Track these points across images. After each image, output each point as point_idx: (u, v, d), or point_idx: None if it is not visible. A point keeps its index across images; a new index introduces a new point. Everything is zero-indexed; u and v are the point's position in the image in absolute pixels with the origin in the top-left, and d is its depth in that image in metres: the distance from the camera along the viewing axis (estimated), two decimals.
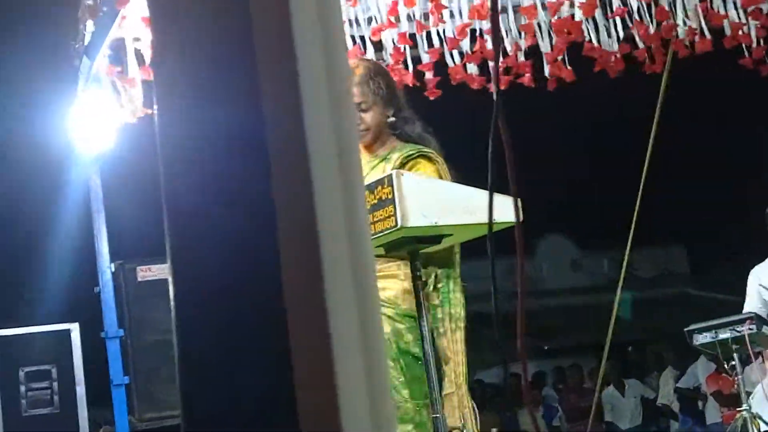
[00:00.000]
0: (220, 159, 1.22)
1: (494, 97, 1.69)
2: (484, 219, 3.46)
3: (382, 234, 3.46)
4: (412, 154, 3.99)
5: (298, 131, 1.18)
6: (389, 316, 3.83)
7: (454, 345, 3.94)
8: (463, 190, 3.59)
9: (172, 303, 1.25)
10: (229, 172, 1.21)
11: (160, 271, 7.32)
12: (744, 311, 6.23)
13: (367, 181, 3.55)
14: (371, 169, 3.99)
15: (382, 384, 1.20)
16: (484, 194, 3.57)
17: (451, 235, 3.63)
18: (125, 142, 6.18)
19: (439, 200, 3.50)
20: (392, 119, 4.05)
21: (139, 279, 7.32)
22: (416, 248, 3.65)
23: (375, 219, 3.47)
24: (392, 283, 3.91)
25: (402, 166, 3.90)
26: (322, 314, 1.16)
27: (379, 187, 3.46)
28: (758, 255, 6.48)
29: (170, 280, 1.25)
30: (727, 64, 6.08)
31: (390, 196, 3.43)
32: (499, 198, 3.54)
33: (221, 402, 1.18)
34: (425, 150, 4.02)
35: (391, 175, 3.45)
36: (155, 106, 1.26)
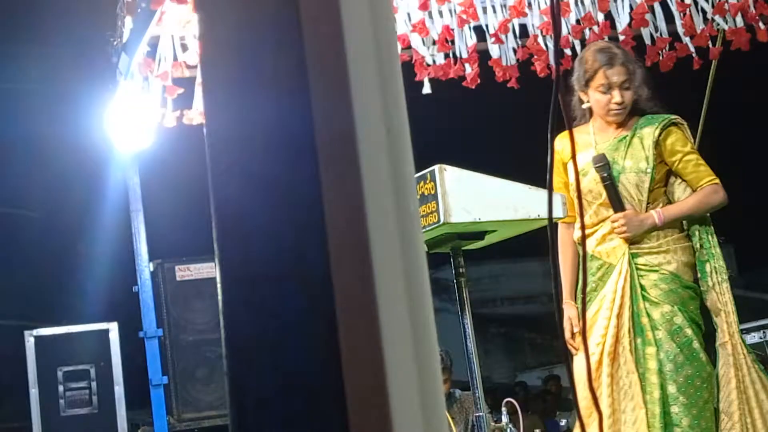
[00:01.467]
0: (268, 157, 1.19)
1: (553, 89, 1.61)
2: (528, 215, 3.39)
3: (425, 230, 3.40)
4: (666, 123, 4.16)
5: (348, 128, 1.15)
6: (673, 290, 4.04)
7: (722, 296, 4.09)
8: (506, 186, 3.51)
9: (219, 300, 1.22)
10: (276, 170, 1.18)
11: (199, 270, 7.32)
12: None
13: (615, 156, 4.09)
14: (626, 147, 4.15)
15: (432, 372, 1.17)
16: (527, 189, 3.50)
17: (494, 231, 3.55)
18: (163, 141, 6.15)
19: (482, 196, 3.43)
20: (643, 96, 4.20)
21: (178, 279, 7.31)
22: (459, 245, 3.58)
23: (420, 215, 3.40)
24: (671, 257, 4.10)
25: (659, 137, 4.11)
26: (372, 313, 1.13)
27: (422, 182, 3.40)
28: None
29: (218, 279, 1.22)
30: None
31: (433, 192, 3.37)
32: (544, 194, 3.50)
33: (268, 389, 1.15)
34: (673, 118, 4.17)
35: (434, 170, 3.38)
36: (202, 104, 1.23)
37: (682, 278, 4.07)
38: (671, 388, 3.98)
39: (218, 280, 1.19)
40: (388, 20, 1.24)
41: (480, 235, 3.57)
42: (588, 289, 4.11)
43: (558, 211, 3.53)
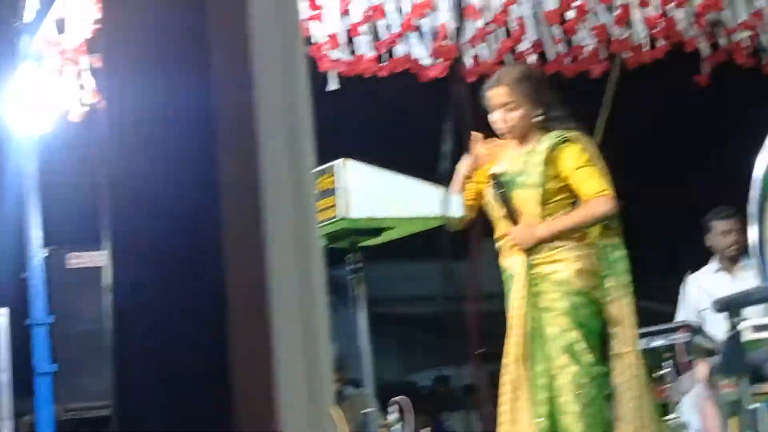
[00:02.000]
0: (168, 139, 1.18)
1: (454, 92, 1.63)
2: (428, 213, 3.41)
3: (323, 224, 3.40)
4: (557, 141, 4.24)
5: (248, 115, 1.14)
6: (565, 293, 4.16)
7: (622, 309, 4.21)
8: (406, 183, 3.54)
9: (110, 288, 1.19)
10: (175, 152, 1.17)
11: (92, 259, 7.18)
12: (676, 320, 6.25)
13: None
14: (523, 163, 4.27)
15: (322, 366, 1.17)
16: (426, 187, 3.53)
17: (392, 228, 3.57)
18: (62, 126, 6.03)
19: (381, 192, 3.44)
20: (540, 118, 4.29)
21: (71, 266, 7.17)
22: (356, 240, 3.60)
23: (317, 209, 3.40)
24: (564, 265, 4.19)
25: (552, 153, 4.21)
26: (264, 304, 1.12)
27: (323, 176, 3.40)
28: (693, 265, 6.50)
29: (110, 263, 1.19)
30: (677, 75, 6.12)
31: (332, 186, 3.38)
32: (443, 192, 3.53)
33: (154, 378, 1.13)
34: (566, 134, 4.27)
35: (335, 164, 3.39)
36: (103, 88, 1.22)
37: (574, 285, 4.19)
38: (556, 384, 4.12)
39: (110, 261, 1.18)
40: (294, 10, 1.24)
41: (378, 232, 3.58)
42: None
43: (455, 210, 3.56)
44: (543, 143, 4.27)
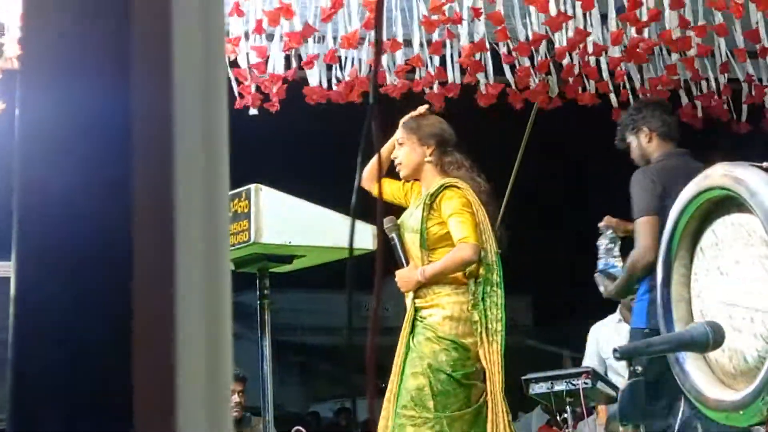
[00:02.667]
0: (80, 149, 1.16)
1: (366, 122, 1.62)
2: (340, 243, 3.41)
3: (234, 248, 3.37)
4: (438, 190, 4.34)
5: (166, 126, 1.13)
6: (429, 338, 4.25)
7: (490, 356, 4.24)
8: (320, 212, 3.53)
9: (12, 292, 1.17)
10: (88, 163, 1.14)
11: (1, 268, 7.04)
12: (582, 366, 6.32)
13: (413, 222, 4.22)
14: (414, 208, 4.41)
15: (222, 391, 1.16)
16: (340, 218, 3.53)
17: (304, 256, 3.56)
18: None
19: (295, 219, 3.44)
20: (429, 159, 4.41)
21: None
22: (267, 266, 3.58)
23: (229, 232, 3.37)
24: (436, 310, 4.29)
25: (434, 200, 4.31)
26: (169, 323, 1.10)
27: (237, 200, 3.38)
28: (600, 313, 6.60)
29: (13, 275, 1.17)
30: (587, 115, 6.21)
31: (246, 210, 3.36)
32: (358, 224, 3.54)
33: (53, 388, 1.11)
34: (448, 181, 4.36)
35: (249, 188, 3.37)
36: (18, 90, 1.19)
37: (440, 331, 4.26)
38: (398, 421, 4.20)
39: (13, 267, 1.16)
40: (218, 27, 1.24)
41: (289, 259, 3.57)
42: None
43: (366, 242, 3.57)
44: (430, 189, 4.38)
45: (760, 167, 2.76)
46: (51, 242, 1.12)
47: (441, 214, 4.31)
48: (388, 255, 4.34)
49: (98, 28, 1.15)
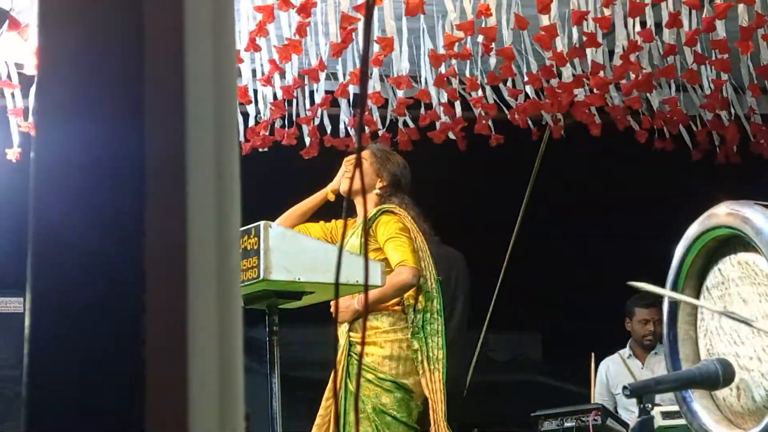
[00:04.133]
0: (94, 185, 1.17)
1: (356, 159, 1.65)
2: (347, 280, 3.42)
3: (243, 285, 3.39)
4: (375, 215, 4.29)
5: (179, 162, 1.14)
6: (369, 380, 4.16)
7: (432, 384, 4.16)
8: (328, 249, 3.55)
9: (26, 332, 1.18)
10: (102, 198, 1.16)
11: (5, 305, 7.06)
12: (591, 402, 6.30)
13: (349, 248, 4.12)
14: (352, 233, 4.35)
15: (234, 428, 1.16)
16: (347, 255, 3.55)
17: (312, 293, 3.58)
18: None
19: (303, 256, 3.45)
20: (378, 191, 4.36)
21: None
22: (276, 303, 3.59)
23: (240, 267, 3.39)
24: (374, 349, 4.20)
25: (371, 225, 4.25)
26: (183, 358, 1.11)
27: (246, 237, 3.40)
28: (609, 348, 6.58)
29: (28, 307, 1.18)
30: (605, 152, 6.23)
31: (255, 247, 3.38)
32: (363, 261, 3.56)
33: (66, 425, 1.12)
34: (385, 206, 4.31)
35: (259, 225, 3.40)
36: (34, 126, 1.21)
37: (379, 371, 4.19)
38: None
39: (27, 308, 1.17)
40: (231, 67, 1.25)
41: (298, 295, 3.59)
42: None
43: (376, 279, 3.59)
44: (368, 215, 4.36)
45: (765, 206, 2.78)
46: (62, 287, 1.13)
47: (377, 239, 4.21)
48: None
49: (113, 72, 1.17)
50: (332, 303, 3.98)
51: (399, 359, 4.19)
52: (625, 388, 2.92)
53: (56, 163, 1.16)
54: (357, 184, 4.09)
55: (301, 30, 4.84)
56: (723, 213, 2.87)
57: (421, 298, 4.21)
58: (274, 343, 3.62)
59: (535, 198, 6.97)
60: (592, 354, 6.45)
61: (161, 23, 1.16)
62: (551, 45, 4.98)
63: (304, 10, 4.66)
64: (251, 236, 3.39)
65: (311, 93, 5.62)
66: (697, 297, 3.03)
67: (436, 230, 4.67)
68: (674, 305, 3.04)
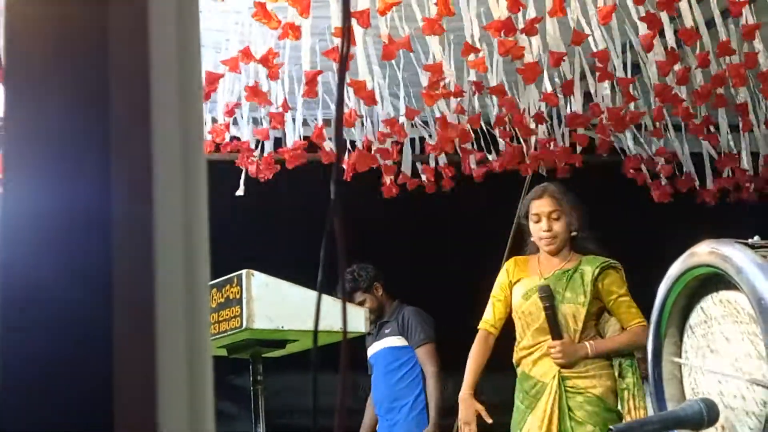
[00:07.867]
0: (62, 236, 1.17)
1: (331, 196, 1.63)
2: (331, 327, 3.41)
3: (226, 334, 3.37)
4: (605, 265, 4.49)
5: (146, 217, 1.14)
6: (599, 409, 4.36)
7: (637, 413, 4.39)
8: (311, 296, 3.54)
9: None
10: (69, 250, 1.16)
11: None
12: None
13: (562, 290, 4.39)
14: (567, 280, 4.47)
15: None
16: (331, 301, 3.54)
17: (296, 340, 3.56)
18: None
19: (286, 304, 3.44)
20: (575, 233, 4.54)
21: None
22: (259, 352, 3.57)
23: (221, 318, 3.38)
24: (598, 382, 4.41)
25: (597, 277, 4.45)
26: (152, 415, 1.11)
27: (228, 286, 3.39)
28: None
29: None
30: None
31: (238, 296, 3.36)
32: (351, 308, 3.55)
33: None
34: (612, 261, 4.53)
35: (241, 274, 3.38)
36: (2, 173, 1.21)
37: (606, 401, 4.39)
38: None
39: None
40: (198, 118, 1.26)
41: (281, 344, 3.57)
42: (523, 406, 4.43)
43: (358, 326, 3.57)
44: (586, 264, 4.50)
45: (746, 244, 2.79)
46: (29, 343, 1.13)
47: (601, 292, 4.44)
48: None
49: (79, 129, 1.17)
50: (556, 350, 4.31)
51: (615, 390, 4.42)
52: (610, 429, 2.92)
53: (23, 216, 1.16)
54: (559, 244, 4.52)
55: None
56: (704, 251, 2.88)
57: None
58: (259, 393, 3.59)
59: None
60: None
61: (127, 79, 1.17)
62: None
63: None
64: (233, 285, 3.38)
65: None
66: (681, 336, 3.04)
67: None
68: (658, 344, 3.04)
